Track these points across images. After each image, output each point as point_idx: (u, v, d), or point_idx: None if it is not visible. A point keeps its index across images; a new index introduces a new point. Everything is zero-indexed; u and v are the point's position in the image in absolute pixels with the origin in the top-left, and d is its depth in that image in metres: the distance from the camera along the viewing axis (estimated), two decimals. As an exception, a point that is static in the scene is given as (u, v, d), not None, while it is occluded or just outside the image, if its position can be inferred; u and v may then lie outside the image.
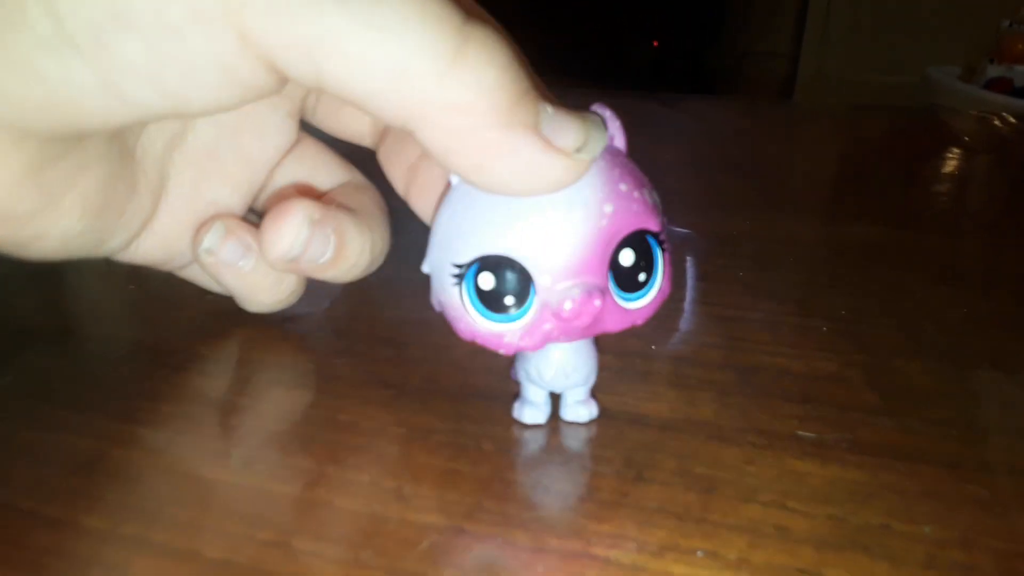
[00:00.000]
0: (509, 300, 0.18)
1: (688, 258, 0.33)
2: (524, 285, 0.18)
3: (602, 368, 0.22)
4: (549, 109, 0.17)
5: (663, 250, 0.19)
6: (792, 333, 0.27)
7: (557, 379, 0.21)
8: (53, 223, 0.20)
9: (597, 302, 0.18)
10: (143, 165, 0.22)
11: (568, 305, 0.18)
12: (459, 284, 0.18)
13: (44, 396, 0.24)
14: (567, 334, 0.19)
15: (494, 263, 0.18)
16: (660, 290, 0.19)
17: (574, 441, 0.22)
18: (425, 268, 0.20)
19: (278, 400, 0.23)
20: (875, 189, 0.46)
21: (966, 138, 0.59)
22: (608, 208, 0.18)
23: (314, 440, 0.21)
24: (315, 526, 0.18)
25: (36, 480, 0.20)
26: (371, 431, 0.22)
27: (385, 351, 0.26)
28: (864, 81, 2.36)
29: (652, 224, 0.18)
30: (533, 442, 0.22)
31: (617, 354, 0.25)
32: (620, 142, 0.19)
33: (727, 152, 0.51)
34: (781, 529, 0.19)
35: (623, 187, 0.18)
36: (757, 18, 2.53)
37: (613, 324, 0.19)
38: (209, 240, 0.24)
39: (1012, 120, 0.61)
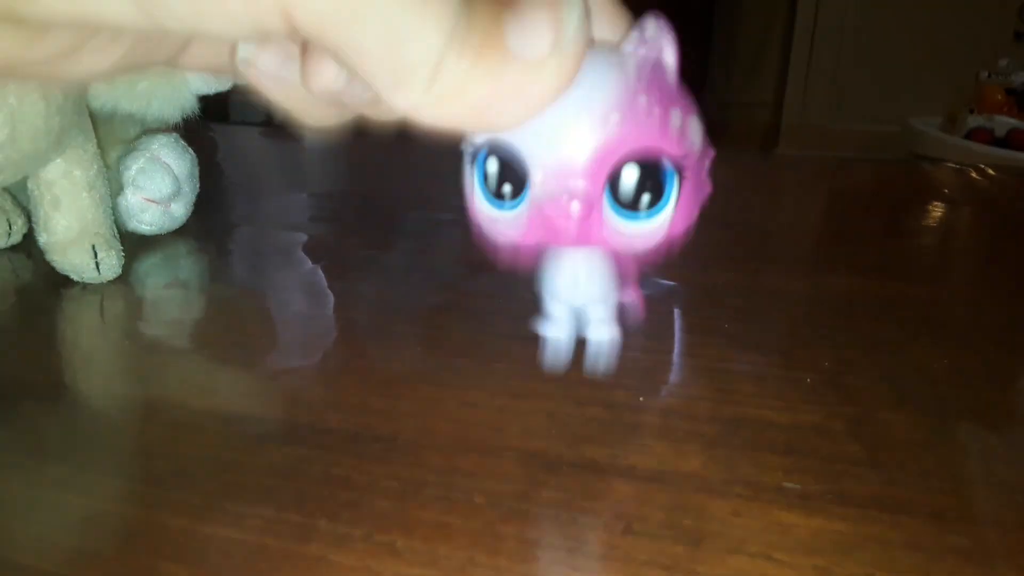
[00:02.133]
0: (507, 188, 0.18)
1: (675, 310, 0.34)
2: (521, 177, 0.17)
3: (591, 420, 0.22)
4: (513, 15, 0.15)
5: (681, 178, 0.17)
6: (777, 385, 0.28)
7: (567, 289, 0.20)
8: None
9: (576, 207, 0.17)
10: None
11: (551, 206, 0.17)
12: (472, 164, 0.18)
13: (38, 452, 0.24)
14: (554, 236, 0.18)
15: (500, 150, 0.18)
16: (669, 220, 0.18)
17: (565, 494, 0.22)
18: (464, 147, 0.19)
19: (271, 455, 0.24)
20: (858, 240, 0.47)
21: (946, 190, 0.60)
22: (615, 117, 0.17)
23: (307, 495, 0.22)
24: (308, 582, 0.19)
25: (33, 537, 0.20)
26: (364, 485, 0.22)
27: (377, 404, 0.26)
28: (847, 130, 2.41)
29: (670, 147, 0.17)
30: (523, 495, 0.22)
31: (606, 406, 0.26)
32: (668, 56, 0.18)
33: (711, 204, 0.52)
34: (768, 581, 0.19)
35: (643, 99, 0.17)
36: (740, 69, 2.58)
37: (603, 241, 0.18)
38: (244, 48, 0.20)
39: (991, 172, 0.63)
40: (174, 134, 0.41)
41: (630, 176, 0.17)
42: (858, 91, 2.44)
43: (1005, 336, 0.33)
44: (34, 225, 0.36)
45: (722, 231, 0.47)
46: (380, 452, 0.24)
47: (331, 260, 0.40)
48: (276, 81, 0.20)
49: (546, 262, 0.20)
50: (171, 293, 0.37)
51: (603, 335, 0.21)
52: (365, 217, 0.48)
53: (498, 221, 0.18)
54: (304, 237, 0.43)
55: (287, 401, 0.27)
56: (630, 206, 0.17)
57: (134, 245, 0.39)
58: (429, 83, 0.14)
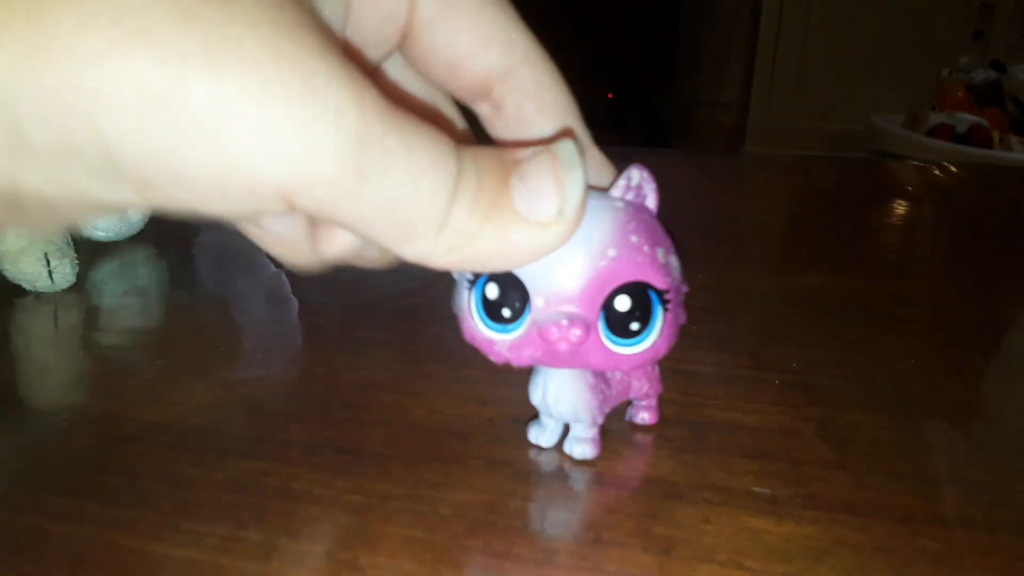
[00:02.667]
0: (507, 312, 0.19)
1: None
2: (522, 302, 0.19)
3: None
4: (520, 180, 0.16)
5: (665, 309, 0.20)
6: (745, 387, 0.27)
7: (543, 403, 0.22)
8: None
9: (577, 332, 0.19)
10: None
11: (552, 329, 0.19)
12: (470, 289, 0.20)
13: (-13, 470, 0.23)
14: (550, 357, 0.20)
15: (501, 277, 0.19)
16: (653, 345, 0.20)
17: (532, 504, 0.22)
18: (455, 273, 0.21)
19: (230, 470, 0.23)
20: (823, 239, 0.47)
21: (909, 187, 0.61)
22: (611, 252, 0.19)
23: (267, 511, 0.21)
24: (268, 602, 0.18)
25: (-25, 562, 0.19)
26: (326, 499, 0.21)
27: (341, 414, 0.26)
28: (811, 129, 2.44)
29: (657, 280, 0.19)
30: (490, 506, 0.21)
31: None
32: (651, 202, 0.20)
33: (678, 205, 0.52)
34: (739, 589, 0.19)
35: (634, 238, 0.19)
36: (706, 69, 2.60)
37: (596, 362, 0.20)
38: None
39: (953, 169, 0.63)
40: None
41: (623, 304, 0.19)
42: (822, 90, 2.47)
43: (970, 334, 0.33)
44: (-17, 234, 0.35)
45: (689, 231, 0.47)
46: (343, 464, 0.23)
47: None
48: (282, 242, 0.20)
49: (533, 376, 0.23)
50: (128, 302, 0.36)
51: (576, 453, 0.23)
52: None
53: (496, 342, 0.20)
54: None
55: (248, 413, 0.26)
56: (622, 331, 0.19)
57: (90, 253, 0.38)
58: (437, 236, 0.15)
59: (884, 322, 0.34)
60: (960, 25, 2.45)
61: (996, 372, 0.31)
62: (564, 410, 0.22)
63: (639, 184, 0.20)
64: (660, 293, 0.19)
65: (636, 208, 0.20)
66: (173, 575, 0.19)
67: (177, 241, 0.42)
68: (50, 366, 0.30)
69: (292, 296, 0.36)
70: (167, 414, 0.26)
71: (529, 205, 0.16)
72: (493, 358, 0.20)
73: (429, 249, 0.16)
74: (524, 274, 0.19)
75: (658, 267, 0.19)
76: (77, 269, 0.35)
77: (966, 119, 1.92)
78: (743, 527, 0.21)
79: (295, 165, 0.13)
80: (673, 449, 0.24)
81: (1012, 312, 0.37)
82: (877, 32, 2.45)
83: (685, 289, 0.21)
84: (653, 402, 0.25)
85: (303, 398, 0.27)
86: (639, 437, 0.24)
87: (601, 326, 0.19)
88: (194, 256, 0.42)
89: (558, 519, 0.21)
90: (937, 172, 0.62)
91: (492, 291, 0.19)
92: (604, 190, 0.20)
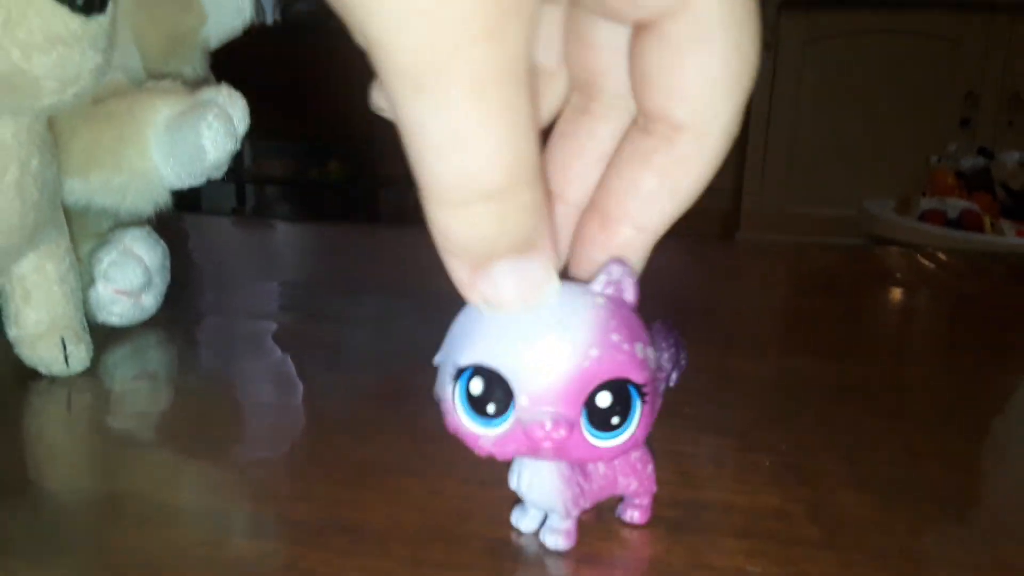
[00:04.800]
0: (491, 408, 0.20)
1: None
2: (506, 399, 0.20)
3: (555, 508, 0.23)
4: (496, 267, 0.18)
5: (643, 402, 0.20)
6: (736, 468, 0.28)
7: (519, 488, 0.23)
8: None
9: (562, 432, 0.19)
10: None
11: (536, 429, 0.19)
12: (455, 383, 0.20)
13: (3, 549, 0.23)
14: (534, 453, 0.20)
15: (486, 373, 0.20)
16: (632, 436, 0.21)
17: (530, 583, 0.22)
18: (436, 360, 0.22)
19: (237, 550, 0.24)
20: (816, 324, 0.48)
21: (899, 274, 0.63)
22: (594, 352, 0.19)
23: (273, 589, 0.22)
24: None
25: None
26: (330, 578, 0.22)
27: (344, 494, 0.27)
28: (804, 214, 2.48)
29: (636, 376, 0.20)
30: (490, 585, 0.22)
31: (571, 493, 0.26)
32: (629, 296, 0.21)
33: (673, 289, 0.54)
34: (730, 667, 0.19)
35: (615, 337, 0.20)
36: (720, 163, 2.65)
37: (578, 455, 0.21)
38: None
39: (941, 256, 0.65)
40: (146, 226, 0.42)
41: (604, 401, 0.20)
42: (814, 176, 2.53)
43: (959, 418, 0.34)
44: (4, 319, 0.36)
45: (684, 315, 0.48)
46: (346, 544, 0.24)
47: (300, 349, 0.40)
48: None
49: (514, 464, 0.23)
50: (139, 385, 0.37)
51: (549, 542, 0.24)
52: (334, 306, 0.49)
53: (480, 437, 0.20)
54: (273, 326, 0.43)
55: (253, 493, 0.27)
56: (603, 426, 0.20)
57: (103, 337, 0.39)
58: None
59: (873, 406, 0.35)
60: (948, 113, 2.53)
61: (985, 455, 0.32)
62: (537, 498, 0.23)
63: (619, 279, 0.21)
64: (639, 387, 0.20)
65: (616, 304, 0.20)
66: (182, 652, 0.19)
67: (186, 325, 0.44)
68: (63, 448, 0.31)
69: (297, 379, 0.37)
70: (175, 496, 0.27)
71: (488, 287, 0.19)
72: (477, 451, 0.21)
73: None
74: (508, 371, 0.19)
75: (637, 363, 0.20)
76: (92, 353, 0.36)
77: (957, 205, 1.96)
78: (735, 606, 0.21)
79: None
80: (668, 528, 0.25)
81: (1000, 396, 0.38)
82: (867, 119, 2.52)
83: (663, 376, 0.22)
84: (645, 501, 0.25)
85: (307, 479, 0.28)
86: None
87: (583, 422, 0.20)
88: (202, 340, 0.43)
89: (556, 598, 0.22)
90: (923, 259, 0.64)
91: (476, 386, 0.20)
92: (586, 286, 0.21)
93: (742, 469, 0.28)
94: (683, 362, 0.24)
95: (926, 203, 1.99)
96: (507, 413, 0.20)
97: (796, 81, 2.56)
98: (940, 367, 0.42)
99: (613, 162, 0.21)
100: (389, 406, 0.34)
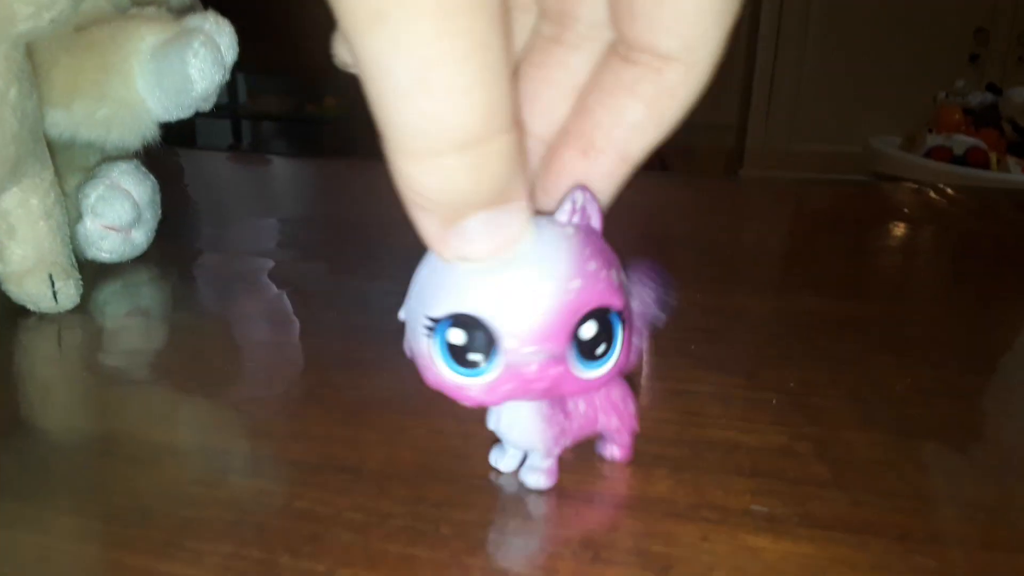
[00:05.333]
0: (476, 357, 0.19)
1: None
2: (491, 345, 0.19)
3: (558, 447, 0.22)
4: (470, 222, 0.17)
5: (624, 326, 0.20)
6: (743, 406, 0.28)
7: (499, 429, 0.22)
8: None
9: (555, 369, 0.19)
10: None
11: (528, 370, 0.19)
12: (430, 336, 0.19)
13: (-9, 490, 0.23)
14: (526, 394, 0.20)
15: (465, 321, 0.19)
16: (616, 362, 0.20)
17: (532, 523, 0.22)
18: (401, 315, 0.21)
19: (233, 489, 0.23)
20: (821, 261, 0.48)
21: (906, 210, 0.61)
22: (575, 284, 0.19)
23: (268, 529, 0.21)
24: (269, 620, 0.18)
25: (-20, 580, 0.19)
26: (327, 518, 0.22)
27: (342, 433, 0.26)
28: (809, 152, 2.45)
29: (615, 302, 0.20)
30: (491, 524, 0.22)
31: (573, 432, 0.25)
32: (596, 223, 0.20)
33: (677, 227, 0.53)
34: (736, 607, 0.19)
35: (592, 266, 0.19)
36: (706, 91, 2.62)
37: (568, 389, 0.20)
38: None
39: (949, 192, 0.64)
40: (135, 160, 0.41)
41: (589, 331, 0.19)
42: (819, 113, 2.49)
43: (966, 354, 0.33)
44: (-11, 255, 0.35)
45: (689, 253, 0.47)
46: (344, 483, 0.23)
47: (297, 287, 0.39)
48: None
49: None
50: (132, 322, 0.36)
51: (530, 481, 0.23)
52: (332, 243, 0.48)
53: (466, 387, 0.19)
54: (270, 263, 0.42)
55: (250, 433, 0.27)
56: (590, 356, 0.20)
57: (94, 273, 0.39)
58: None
59: (880, 343, 0.34)
60: (956, 49, 2.48)
61: (992, 391, 0.31)
62: (517, 438, 0.22)
63: (583, 206, 0.20)
64: (619, 312, 0.20)
65: (586, 232, 0.20)
66: (176, 593, 0.19)
67: (181, 262, 0.43)
68: (53, 386, 0.31)
69: (294, 317, 0.36)
70: (169, 435, 0.26)
71: (460, 240, 0.18)
72: (464, 403, 0.20)
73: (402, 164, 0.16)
74: (488, 316, 0.19)
75: (615, 289, 0.20)
76: (81, 290, 0.35)
77: (964, 141, 1.94)
78: (741, 545, 0.21)
79: None
80: (672, 468, 0.24)
81: (1008, 333, 0.37)
82: (874, 55, 2.47)
83: (648, 313, 0.22)
84: (626, 439, 0.24)
85: (304, 418, 0.27)
86: (638, 456, 0.25)
87: (572, 356, 0.19)
88: (197, 277, 0.42)
89: (558, 537, 0.21)
90: (933, 194, 0.63)
91: (457, 336, 0.19)
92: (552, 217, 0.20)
93: (748, 407, 0.28)
94: (671, 301, 0.24)
95: (932, 140, 1.97)
96: (492, 359, 0.19)
97: (803, 16, 2.50)
98: (946, 304, 0.41)
99: (593, 92, 0.20)
100: (389, 344, 0.33)
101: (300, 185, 0.69)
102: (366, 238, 0.48)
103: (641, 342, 0.23)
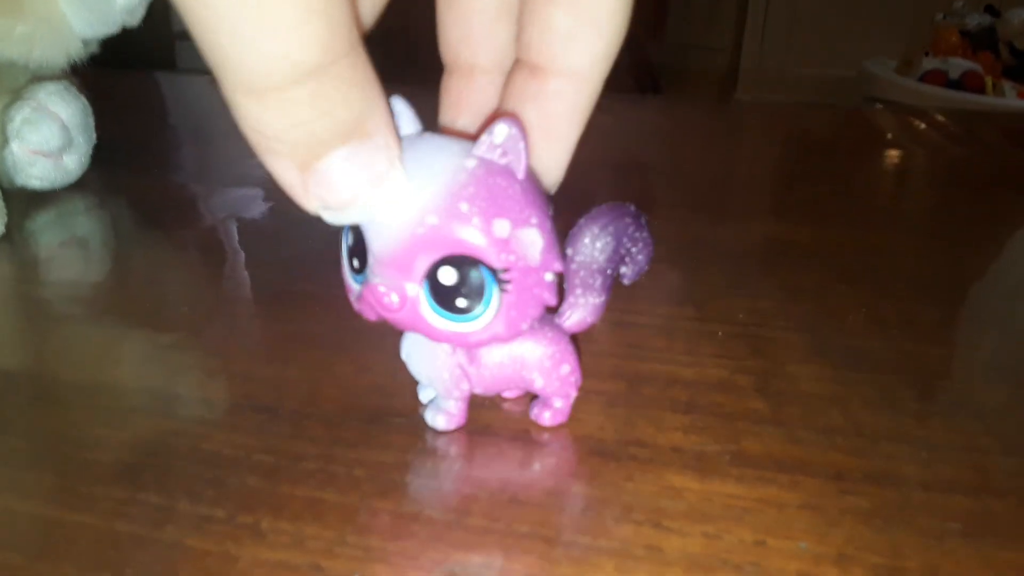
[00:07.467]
0: (356, 263, 0.19)
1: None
2: (364, 257, 0.19)
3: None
4: (326, 161, 0.16)
5: (502, 289, 0.18)
6: (687, 339, 0.26)
7: (404, 358, 0.22)
8: None
9: (394, 298, 0.18)
10: None
11: (373, 291, 0.18)
12: (345, 241, 0.20)
13: None
14: (381, 318, 0.19)
15: (355, 227, 0.19)
16: (487, 326, 0.19)
17: (450, 463, 0.21)
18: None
19: (136, 429, 0.22)
20: (806, 188, 0.46)
21: (893, 135, 0.59)
22: (431, 219, 0.17)
23: (170, 473, 0.20)
24: (160, 569, 0.17)
25: None
26: (234, 461, 0.21)
27: (264, 371, 0.25)
28: (803, 75, 2.40)
29: (487, 257, 0.18)
30: (407, 466, 0.21)
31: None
32: (519, 164, 0.18)
33: (663, 153, 0.51)
34: (652, 549, 0.18)
35: (463, 207, 0.17)
36: (699, 13, 2.54)
37: (426, 332, 0.19)
38: None
39: (941, 119, 0.62)
40: (64, 81, 0.38)
41: (447, 278, 0.18)
42: (815, 35, 2.42)
43: (931, 286, 0.32)
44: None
45: (662, 179, 0.45)
46: (258, 424, 0.22)
47: (233, 215, 0.38)
48: None
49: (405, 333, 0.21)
50: (65, 252, 0.35)
51: (428, 419, 0.22)
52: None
53: (351, 290, 0.20)
54: (210, 193, 0.41)
55: (168, 370, 0.25)
56: (447, 306, 0.18)
57: (23, 202, 0.37)
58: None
59: (845, 273, 0.33)
60: (957, -33, 2.40)
61: (957, 327, 0.30)
62: (416, 370, 0.21)
63: (503, 143, 0.18)
64: (495, 271, 0.18)
65: (488, 171, 0.18)
66: (63, 541, 0.18)
67: (118, 190, 0.41)
68: (-27, 321, 0.29)
69: (231, 248, 0.35)
70: (79, 373, 0.25)
71: (317, 185, 0.17)
72: (353, 305, 0.20)
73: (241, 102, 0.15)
74: (365, 230, 0.18)
75: (492, 242, 0.17)
76: (6, 218, 0.34)
77: (960, 65, 1.89)
78: (666, 485, 0.20)
79: None
80: (604, 403, 0.23)
81: (980, 265, 0.36)
82: (872, -25, 2.40)
83: (556, 267, 0.19)
84: (560, 404, 0.22)
85: (226, 355, 0.26)
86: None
87: (427, 297, 0.18)
88: (135, 206, 0.40)
89: (476, 478, 0.20)
90: (921, 121, 0.61)
91: (349, 238, 0.19)
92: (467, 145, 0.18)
93: (693, 340, 0.26)
94: (640, 257, 0.22)
95: (928, 63, 1.92)
96: (364, 271, 0.19)
97: (801, -68, 2.41)
98: (924, 232, 0.40)
99: (523, 7, 0.19)
100: (325, 279, 0.32)
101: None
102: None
103: (601, 299, 0.21)
